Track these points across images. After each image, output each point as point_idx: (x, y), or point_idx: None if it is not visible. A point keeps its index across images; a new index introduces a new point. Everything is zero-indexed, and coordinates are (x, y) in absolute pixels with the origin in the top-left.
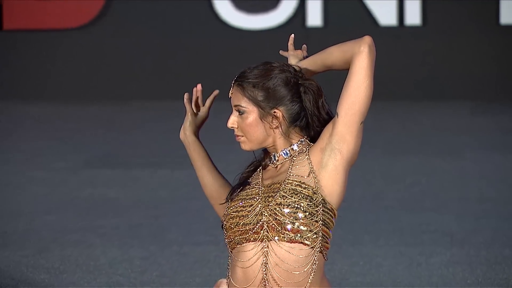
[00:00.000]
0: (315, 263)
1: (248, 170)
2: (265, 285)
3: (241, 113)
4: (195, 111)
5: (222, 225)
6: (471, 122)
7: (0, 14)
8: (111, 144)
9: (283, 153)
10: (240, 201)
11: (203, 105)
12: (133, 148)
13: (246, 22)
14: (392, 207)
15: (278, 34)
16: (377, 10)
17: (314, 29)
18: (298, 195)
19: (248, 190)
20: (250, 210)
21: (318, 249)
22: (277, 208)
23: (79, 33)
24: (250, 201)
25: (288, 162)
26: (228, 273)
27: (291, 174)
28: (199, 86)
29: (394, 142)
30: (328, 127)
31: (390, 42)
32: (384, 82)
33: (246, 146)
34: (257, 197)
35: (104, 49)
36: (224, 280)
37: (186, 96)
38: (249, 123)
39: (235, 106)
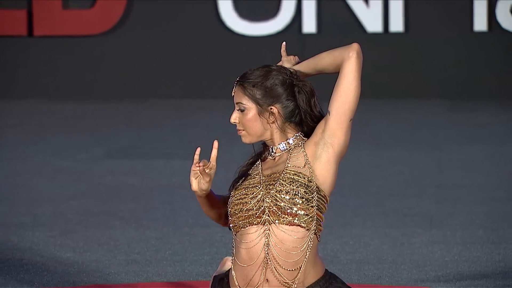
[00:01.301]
0: (310, 244)
1: (247, 163)
2: (267, 263)
3: (242, 110)
4: (207, 172)
5: (227, 211)
6: (448, 118)
7: (30, 21)
8: (129, 137)
9: (280, 146)
10: (243, 189)
11: (209, 161)
12: (149, 141)
13: (249, 29)
14: (378, 193)
15: (277, 39)
16: (365, 18)
17: (309, 35)
18: (296, 183)
19: (250, 180)
20: (253, 197)
21: (313, 231)
22: (277, 195)
23: (101, 39)
24: (252, 189)
25: (285, 154)
26: (233, 253)
27: (289, 165)
28: (198, 150)
29: (381, 135)
30: (321, 124)
31: (377, 47)
32: (372, 82)
33: (246, 139)
34: (259, 186)
35: (123, 53)
36: (229, 258)
37: (201, 169)
38: (248, 119)
39: (237, 103)
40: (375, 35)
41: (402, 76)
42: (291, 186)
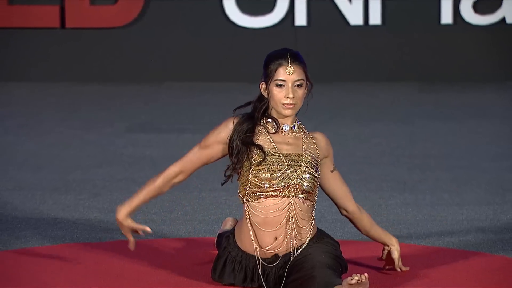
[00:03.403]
0: (313, 214)
1: (246, 130)
2: (284, 230)
3: (300, 85)
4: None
5: (234, 168)
6: (419, 98)
7: (63, 16)
8: (147, 114)
9: (293, 126)
10: (268, 165)
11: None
12: (164, 117)
13: (249, 22)
14: (359, 162)
15: (273, 31)
16: (348, 13)
17: (301, 28)
18: (313, 166)
19: (271, 157)
20: (279, 176)
21: (315, 204)
22: (302, 175)
23: (123, 31)
24: (278, 166)
25: (294, 137)
26: (248, 215)
27: (306, 150)
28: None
29: (362, 113)
30: (328, 160)
31: (358, 37)
32: (354, 68)
33: (293, 112)
34: (284, 165)
35: (141, 43)
36: (231, 218)
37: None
38: (303, 93)
39: (297, 80)
40: (356, 27)
41: (379, 62)
42: (311, 168)
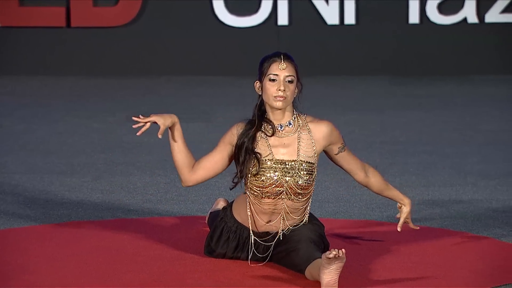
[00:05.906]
0: (308, 206)
1: (249, 136)
2: (278, 222)
3: (291, 81)
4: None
5: (241, 176)
6: (389, 90)
7: (68, 16)
8: (146, 105)
9: (288, 124)
10: (262, 174)
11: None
12: (162, 108)
13: (236, 22)
14: None
15: (257, 30)
16: (325, 13)
17: (283, 27)
18: (307, 171)
19: (265, 166)
20: (272, 183)
21: (311, 197)
22: (294, 183)
23: (122, 30)
24: (272, 175)
25: (291, 137)
26: (248, 202)
27: (300, 154)
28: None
29: (338, 103)
30: (333, 146)
31: (334, 36)
32: (331, 63)
33: (284, 104)
34: (277, 173)
35: (140, 40)
36: (222, 198)
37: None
38: (293, 88)
39: (288, 76)
40: (333, 26)
41: (354, 57)
42: (305, 174)
